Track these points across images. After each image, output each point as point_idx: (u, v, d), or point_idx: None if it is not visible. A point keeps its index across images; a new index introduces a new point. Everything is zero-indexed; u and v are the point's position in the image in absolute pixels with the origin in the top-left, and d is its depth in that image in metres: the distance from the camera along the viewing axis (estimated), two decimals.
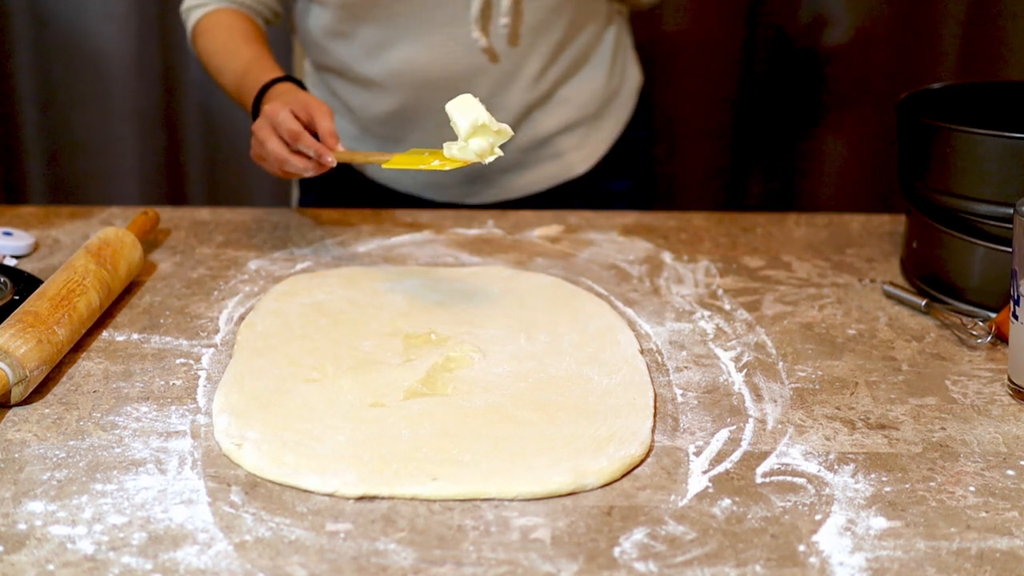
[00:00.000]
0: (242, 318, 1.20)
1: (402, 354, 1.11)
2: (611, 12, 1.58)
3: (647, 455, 0.94)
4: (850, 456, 0.95)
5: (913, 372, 1.10)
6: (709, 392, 1.06)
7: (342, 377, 1.06)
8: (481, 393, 1.03)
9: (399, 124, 1.53)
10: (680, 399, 1.04)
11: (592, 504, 0.88)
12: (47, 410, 1.01)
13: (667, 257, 1.38)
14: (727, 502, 0.88)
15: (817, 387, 1.07)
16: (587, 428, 0.97)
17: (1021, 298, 1.01)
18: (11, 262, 1.32)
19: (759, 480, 0.91)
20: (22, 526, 0.84)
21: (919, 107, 1.31)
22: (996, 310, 1.18)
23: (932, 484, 0.91)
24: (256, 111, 1.34)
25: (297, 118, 1.26)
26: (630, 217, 1.51)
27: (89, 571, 0.79)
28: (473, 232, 1.46)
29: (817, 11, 2.21)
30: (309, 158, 1.26)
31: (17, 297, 1.16)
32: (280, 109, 1.25)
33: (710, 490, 0.90)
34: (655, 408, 1.01)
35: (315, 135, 1.26)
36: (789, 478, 0.91)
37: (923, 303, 1.22)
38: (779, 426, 0.99)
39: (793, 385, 1.07)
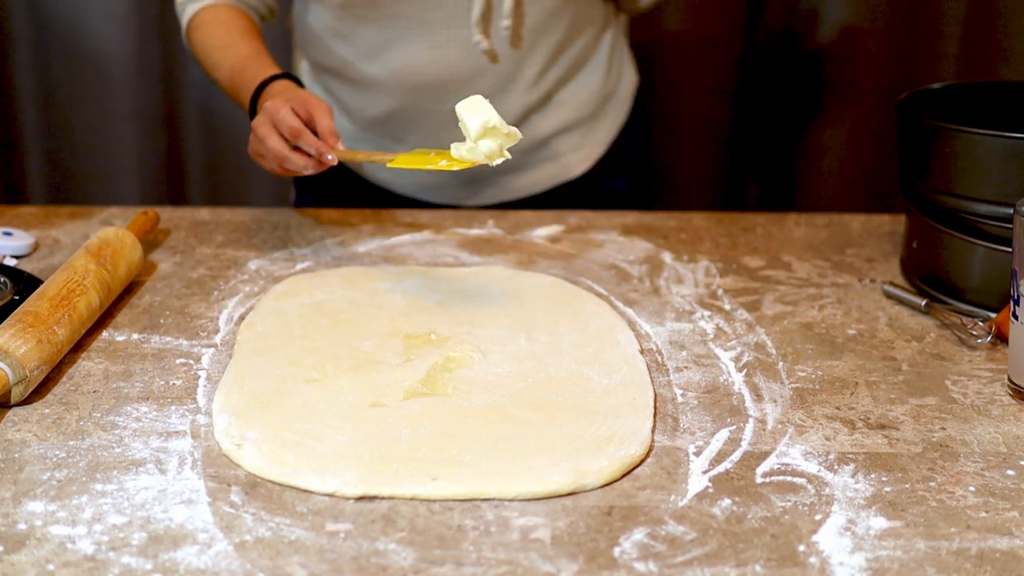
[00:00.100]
0: (242, 318, 1.20)
1: (402, 354, 1.11)
2: (608, 15, 1.58)
3: (647, 455, 0.94)
4: (850, 456, 0.95)
5: (913, 372, 1.10)
6: (709, 392, 1.06)
7: (342, 377, 1.06)
8: (481, 393, 1.03)
9: (397, 125, 1.53)
10: (680, 399, 1.04)
11: (592, 504, 0.88)
12: (47, 410, 1.01)
13: (667, 257, 1.38)
14: (727, 502, 0.88)
15: (817, 387, 1.07)
16: (587, 428, 0.97)
17: (1021, 298, 1.01)
18: (11, 262, 1.32)
19: (759, 480, 0.91)
20: (22, 526, 0.84)
21: (919, 107, 1.31)
22: (996, 310, 1.18)
23: (932, 484, 0.91)
24: (253, 108, 1.34)
25: (297, 116, 1.25)
26: (630, 217, 1.51)
27: (89, 571, 0.79)
28: (473, 232, 1.46)
29: (816, 11, 2.21)
30: (309, 156, 1.26)
31: (17, 297, 1.16)
32: (281, 106, 1.25)
33: (710, 490, 0.90)
34: (655, 408, 1.01)
35: (314, 133, 1.26)
36: (789, 478, 0.91)
37: (923, 303, 1.22)
38: (779, 426, 0.99)
39: (793, 385, 1.07)
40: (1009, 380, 1.06)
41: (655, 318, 1.22)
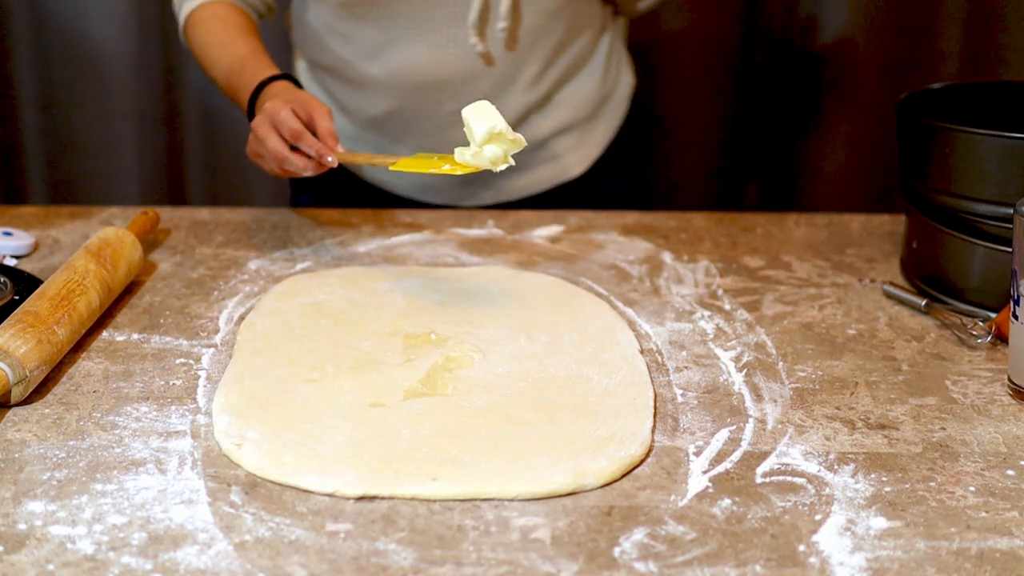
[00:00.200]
0: (242, 318, 1.20)
1: (402, 354, 1.11)
2: (607, 17, 1.58)
3: (647, 455, 0.94)
4: (850, 456, 0.95)
5: (913, 372, 1.10)
6: (709, 392, 1.06)
7: (342, 377, 1.06)
8: (481, 393, 1.03)
9: (396, 125, 1.53)
10: (680, 399, 1.04)
11: (592, 504, 0.88)
12: (47, 410, 1.01)
13: (667, 257, 1.38)
14: (727, 502, 0.88)
15: (817, 387, 1.07)
16: (587, 428, 0.97)
17: (1021, 298, 1.01)
18: (11, 262, 1.32)
19: (759, 480, 0.91)
20: (22, 526, 0.84)
21: (919, 107, 1.31)
22: (996, 310, 1.18)
23: (932, 484, 0.91)
24: (252, 108, 1.34)
25: (297, 117, 1.25)
26: (630, 217, 1.51)
27: (89, 571, 0.79)
28: (473, 232, 1.46)
29: (816, 11, 2.21)
30: (309, 157, 1.26)
31: (17, 297, 1.16)
32: (282, 107, 1.25)
33: (710, 490, 0.90)
34: (655, 408, 1.01)
35: (314, 135, 1.26)
36: (789, 478, 0.91)
37: (923, 303, 1.22)
38: (779, 426, 0.99)
39: (793, 385, 1.07)
40: (1009, 380, 1.06)
41: (655, 318, 1.22)
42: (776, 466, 0.93)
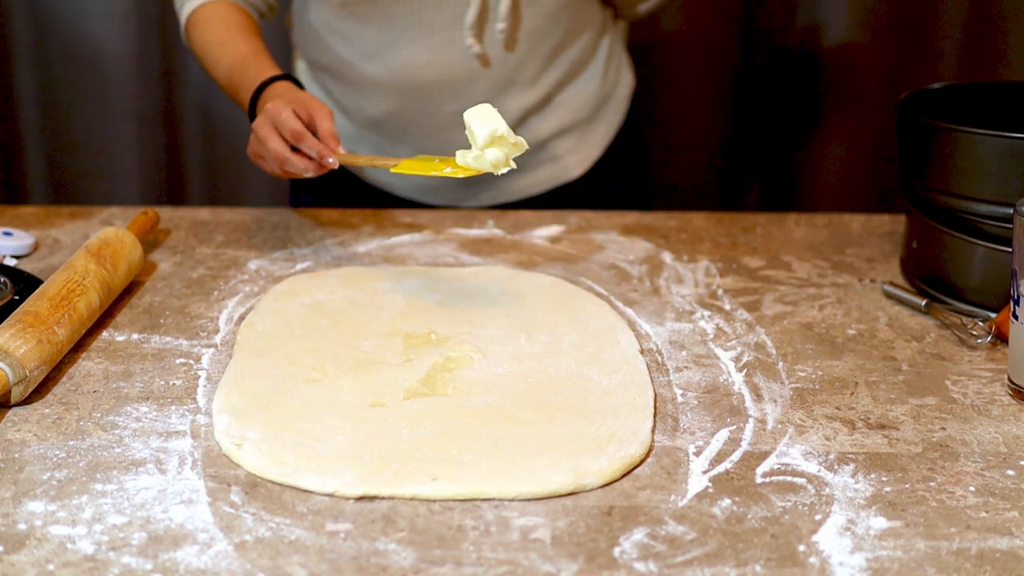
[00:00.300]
0: (242, 318, 1.20)
1: (402, 354, 1.11)
2: (606, 19, 1.58)
3: (647, 455, 0.94)
4: (850, 456, 0.95)
5: (913, 372, 1.10)
6: (709, 392, 1.06)
7: (342, 377, 1.06)
8: (481, 393, 1.03)
9: (396, 126, 1.53)
10: (680, 399, 1.04)
11: (592, 504, 0.88)
12: (47, 410, 1.01)
13: (667, 257, 1.38)
14: (727, 502, 0.88)
15: (817, 387, 1.07)
16: (587, 428, 0.97)
17: (1021, 298, 1.01)
18: (11, 262, 1.32)
19: (759, 480, 0.91)
20: (22, 526, 0.84)
21: (919, 107, 1.31)
22: (996, 310, 1.18)
23: (932, 484, 0.91)
24: (253, 108, 1.34)
25: (299, 118, 1.25)
26: (630, 217, 1.51)
27: (89, 571, 0.79)
28: (473, 232, 1.46)
29: (815, 11, 2.21)
30: (310, 158, 1.26)
31: (17, 297, 1.16)
32: (283, 108, 1.25)
33: (710, 490, 0.90)
34: (655, 408, 1.01)
35: (315, 135, 1.26)
36: (789, 478, 0.91)
37: (923, 303, 1.22)
38: (779, 426, 0.99)
39: (793, 385, 1.07)
40: (1009, 380, 1.06)
41: (655, 318, 1.22)
42: (776, 466, 0.93)
